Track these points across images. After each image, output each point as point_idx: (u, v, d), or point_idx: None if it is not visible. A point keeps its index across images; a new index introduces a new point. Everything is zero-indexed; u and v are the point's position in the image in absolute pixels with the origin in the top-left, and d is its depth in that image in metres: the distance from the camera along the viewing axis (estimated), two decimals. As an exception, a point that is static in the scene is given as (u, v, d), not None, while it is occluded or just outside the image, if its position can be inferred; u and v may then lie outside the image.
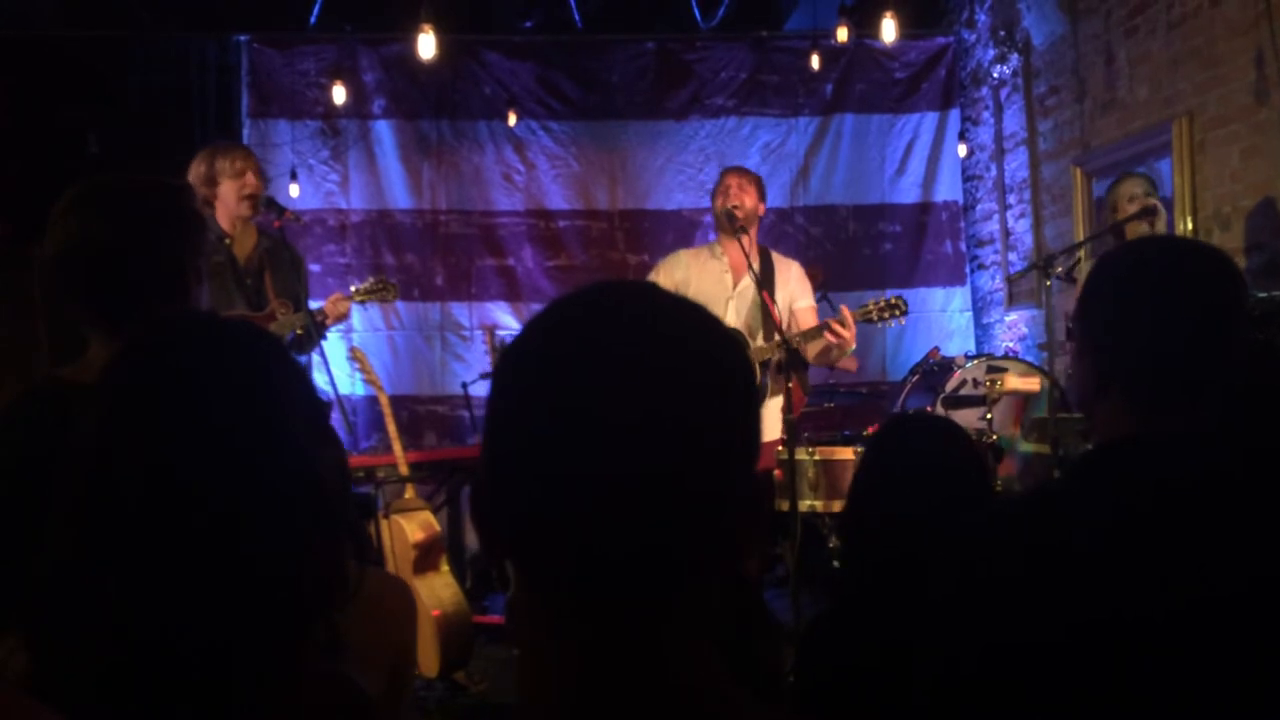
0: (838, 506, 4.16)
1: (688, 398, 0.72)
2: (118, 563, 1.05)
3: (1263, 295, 4.02)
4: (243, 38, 6.58)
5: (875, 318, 4.09)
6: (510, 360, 0.76)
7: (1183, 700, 1.10)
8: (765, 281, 4.10)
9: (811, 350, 4.07)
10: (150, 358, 1.15)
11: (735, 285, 4.20)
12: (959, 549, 1.30)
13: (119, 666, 1.02)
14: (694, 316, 0.77)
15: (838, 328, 3.89)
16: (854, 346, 4.06)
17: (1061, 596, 1.14)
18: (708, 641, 0.74)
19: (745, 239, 4.10)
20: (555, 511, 0.71)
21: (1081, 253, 4.80)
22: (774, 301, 4.12)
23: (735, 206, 4.13)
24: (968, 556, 1.26)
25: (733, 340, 0.78)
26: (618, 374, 0.71)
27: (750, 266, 4.07)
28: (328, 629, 1.16)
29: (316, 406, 1.24)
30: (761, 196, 4.29)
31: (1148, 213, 4.21)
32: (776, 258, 4.25)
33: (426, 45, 4.97)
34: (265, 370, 1.16)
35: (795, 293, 4.22)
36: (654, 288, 0.78)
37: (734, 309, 4.17)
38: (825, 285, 6.10)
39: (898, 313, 4.08)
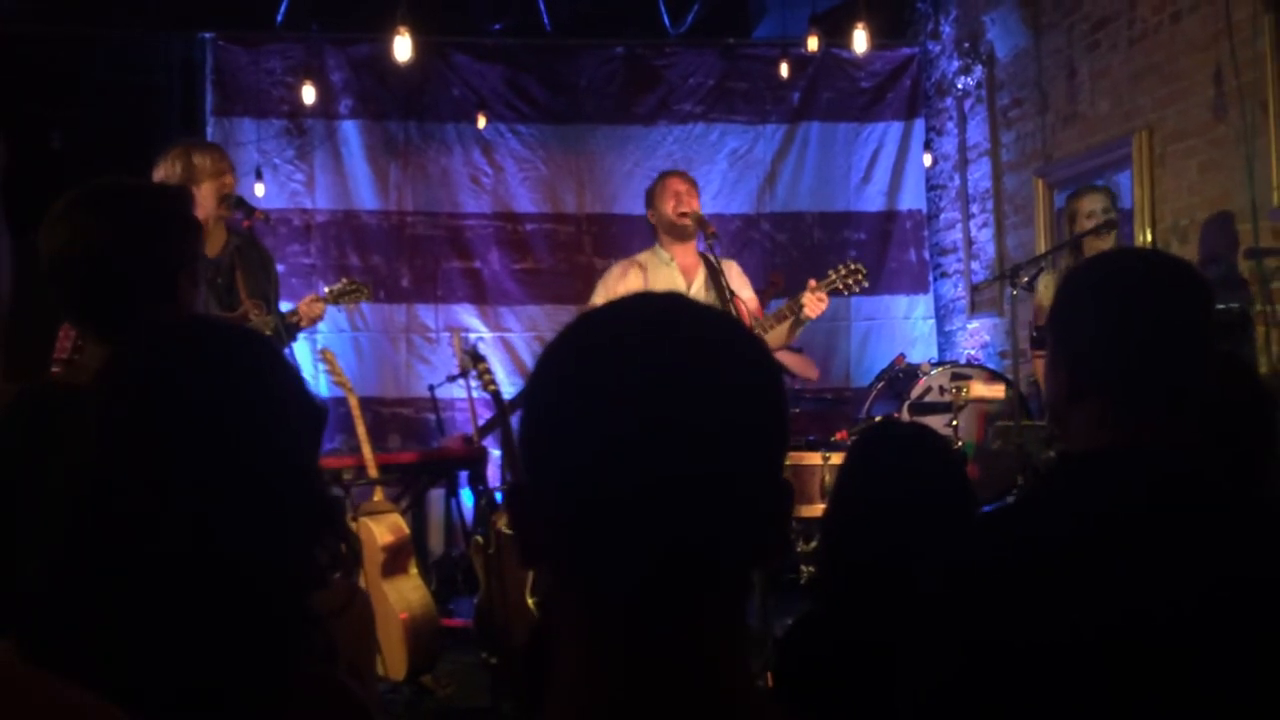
0: (805, 510, 4.20)
1: (739, 402, 0.75)
2: (113, 567, 1.05)
3: (1220, 307, 4.12)
4: (208, 35, 6.52)
5: (841, 286, 4.09)
6: (553, 368, 0.78)
7: (1160, 703, 1.13)
8: (715, 281, 4.11)
9: (773, 339, 4.11)
10: (147, 362, 1.14)
11: (689, 288, 4.22)
12: (943, 554, 1.33)
13: (116, 670, 1.02)
14: (729, 323, 0.79)
15: (811, 297, 3.92)
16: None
17: (1041, 602, 1.17)
18: (741, 640, 0.76)
19: (691, 242, 4.14)
20: (607, 515, 0.73)
21: (1045, 263, 4.88)
22: (744, 302, 4.13)
23: (685, 211, 4.14)
24: (952, 562, 1.29)
25: (763, 343, 0.81)
26: (669, 380, 0.73)
27: (712, 265, 4.09)
28: (324, 635, 1.16)
29: (313, 410, 1.24)
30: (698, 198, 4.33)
31: (1109, 226, 4.29)
32: (716, 258, 4.26)
33: (402, 48, 4.95)
34: (262, 373, 1.16)
35: (736, 288, 4.25)
36: (684, 297, 0.81)
37: None
38: (786, 292, 6.15)
39: (860, 276, 4.10)
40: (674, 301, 0.80)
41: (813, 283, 4.02)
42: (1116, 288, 1.36)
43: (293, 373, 1.23)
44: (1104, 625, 1.14)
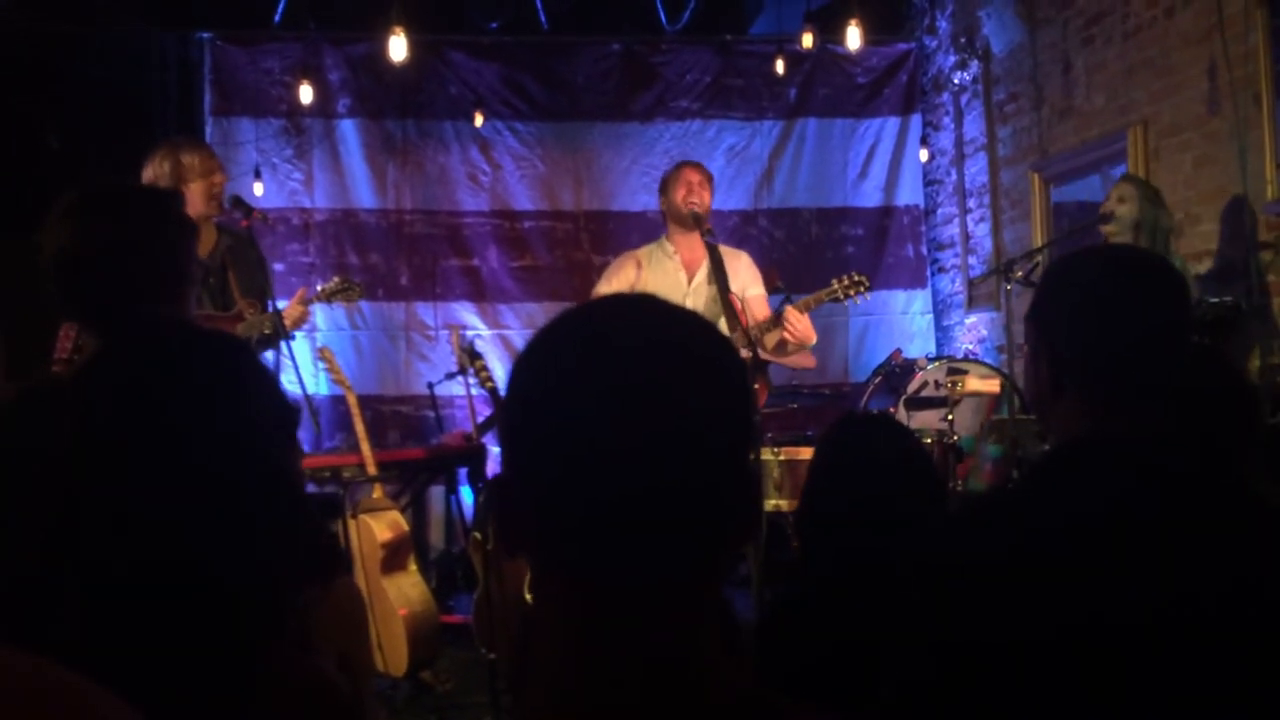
0: (802, 506, 4.21)
1: (705, 403, 0.77)
2: (83, 564, 1.06)
3: (1213, 300, 4.12)
4: (205, 35, 6.54)
5: (841, 295, 4.09)
6: (529, 368, 0.80)
7: (1138, 700, 1.15)
8: (718, 275, 4.11)
9: (769, 342, 4.10)
10: (118, 365, 1.15)
11: (690, 282, 4.22)
12: (922, 547, 1.34)
13: (94, 666, 1.03)
14: (701, 326, 0.82)
15: (792, 319, 3.93)
16: (814, 339, 4.07)
17: (1019, 596, 1.18)
18: (718, 629, 0.79)
19: (698, 234, 4.14)
20: (582, 510, 0.75)
21: (1040, 257, 4.89)
22: (738, 298, 4.14)
23: (695, 203, 4.15)
24: (927, 557, 1.30)
25: (729, 343, 0.83)
26: (637, 384, 0.75)
27: (717, 258, 4.09)
28: (299, 624, 1.18)
29: (287, 414, 1.25)
30: (713, 194, 4.33)
31: (1102, 219, 4.29)
32: (724, 249, 4.23)
33: (397, 48, 4.97)
34: (235, 378, 1.17)
35: (746, 282, 4.22)
36: (655, 300, 0.83)
37: (690, 306, 4.17)
38: (782, 288, 6.16)
39: (862, 288, 4.09)
40: (643, 305, 0.82)
41: (800, 302, 4.03)
42: (1091, 282, 1.38)
43: (265, 375, 1.24)
44: (1078, 621, 1.15)
